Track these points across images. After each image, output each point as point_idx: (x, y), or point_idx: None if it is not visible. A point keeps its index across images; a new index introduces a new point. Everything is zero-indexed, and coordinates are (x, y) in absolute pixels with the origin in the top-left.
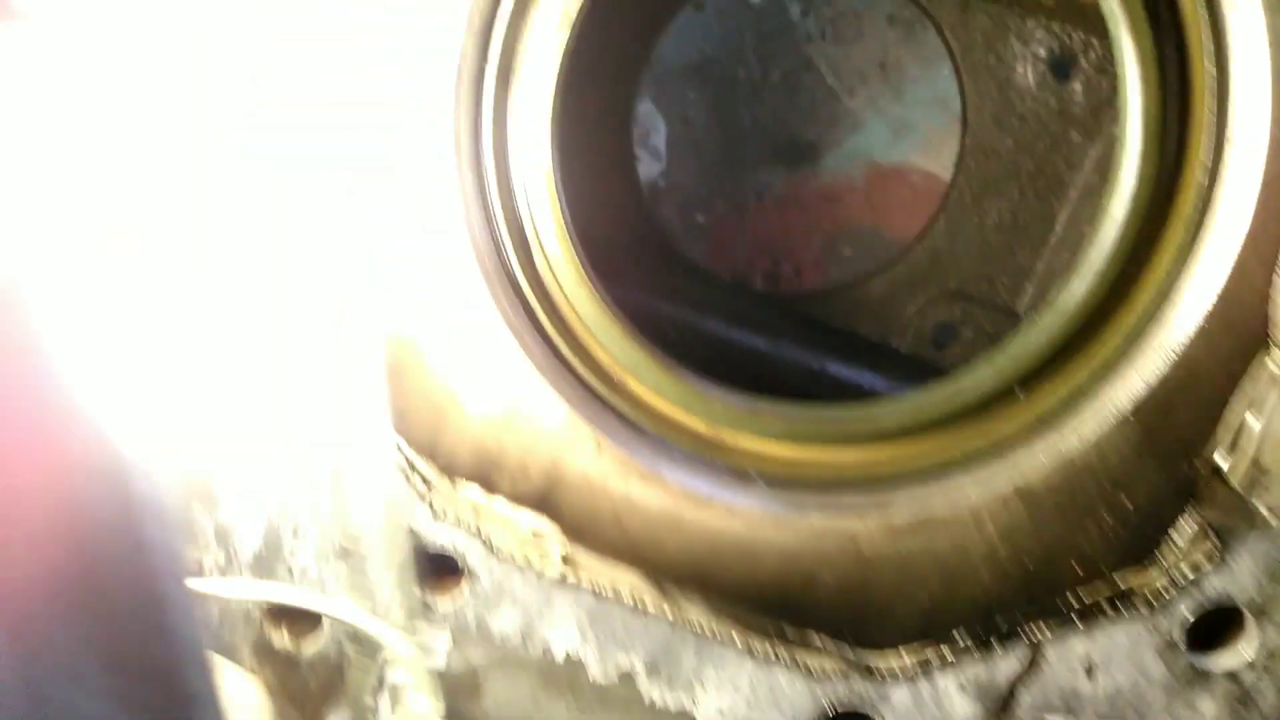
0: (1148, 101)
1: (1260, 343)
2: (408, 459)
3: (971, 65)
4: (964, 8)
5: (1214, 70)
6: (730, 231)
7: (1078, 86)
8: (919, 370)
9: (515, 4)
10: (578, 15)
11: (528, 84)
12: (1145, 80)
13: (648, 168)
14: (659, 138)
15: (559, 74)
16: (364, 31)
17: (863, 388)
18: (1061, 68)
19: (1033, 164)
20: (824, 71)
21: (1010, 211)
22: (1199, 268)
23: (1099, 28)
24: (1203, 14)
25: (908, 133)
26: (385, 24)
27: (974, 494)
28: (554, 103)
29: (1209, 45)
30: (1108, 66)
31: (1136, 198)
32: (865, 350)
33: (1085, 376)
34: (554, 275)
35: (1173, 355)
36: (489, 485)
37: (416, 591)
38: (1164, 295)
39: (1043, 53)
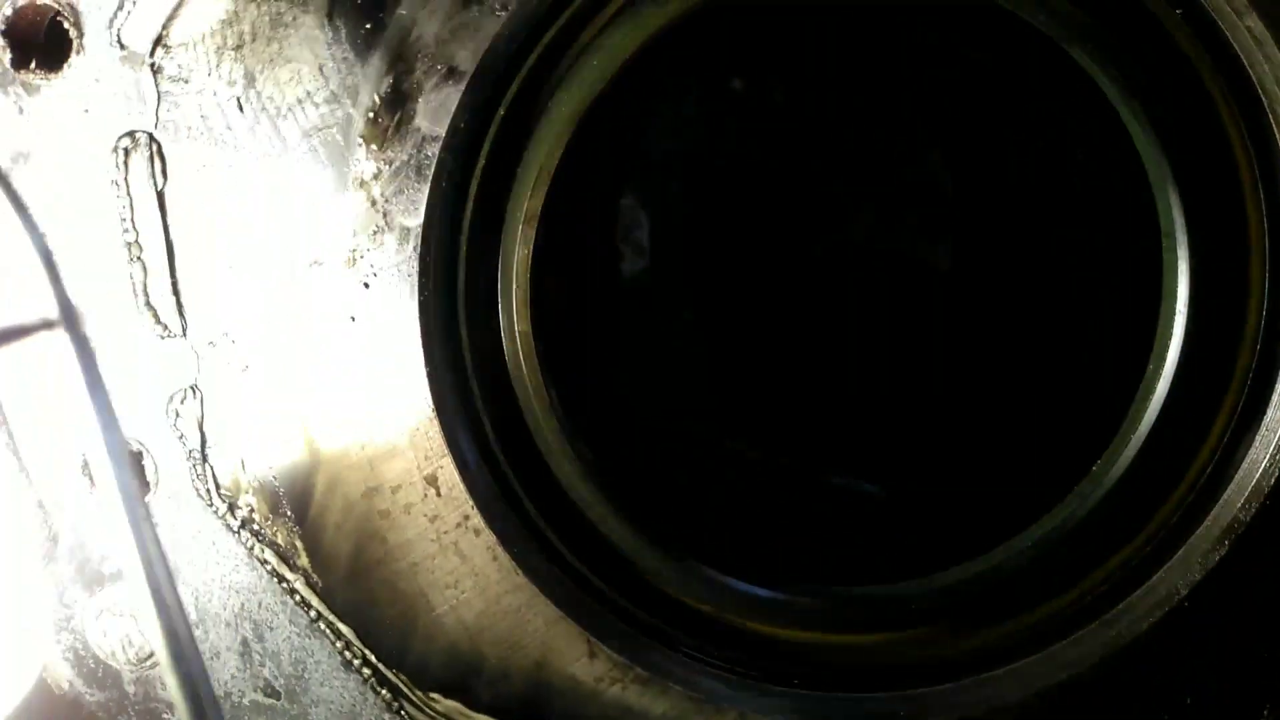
0: (1194, 257)
1: None
2: (373, 668)
3: (968, 156)
4: (960, 96)
5: (1268, 226)
6: (720, 329)
7: (1076, 164)
8: (929, 475)
9: (486, 161)
10: (557, 167)
11: (506, 240)
12: (1191, 235)
13: (631, 264)
14: (642, 232)
15: (534, 240)
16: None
17: (871, 497)
18: (1057, 148)
19: (1040, 246)
20: (810, 156)
21: (1019, 307)
22: (1259, 438)
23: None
24: (1256, 168)
25: (900, 220)
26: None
27: (1015, 693)
28: (527, 276)
29: (1264, 200)
30: (1102, 147)
31: (1184, 358)
32: (872, 456)
33: (1135, 558)
34: (543, 458)
35: (1232, 536)
36: (466, 693)
37: None
38: (1220, 468)
39: (1039, 130)
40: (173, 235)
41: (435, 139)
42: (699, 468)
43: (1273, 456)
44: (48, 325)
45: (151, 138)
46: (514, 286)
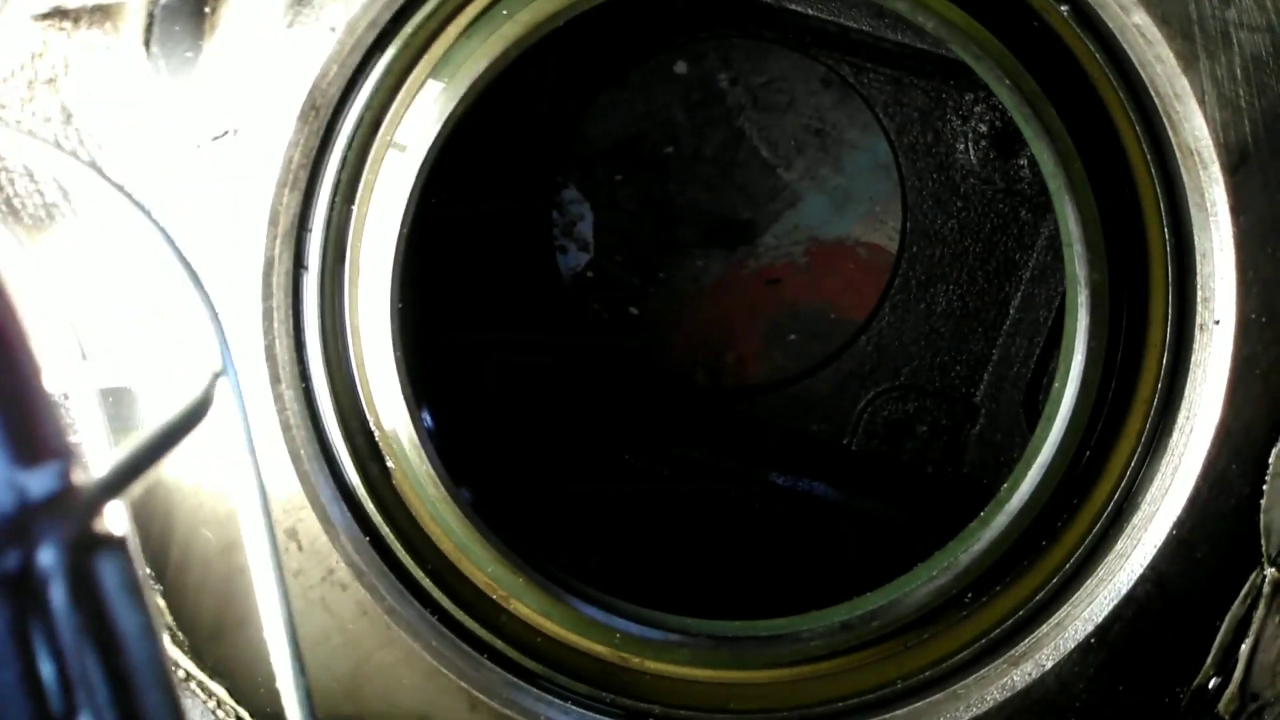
0: (1095, 272)
1: (1245, 556)
2: None
3: (908, 144)
4: (897, 85)
5: (1171, 237)
6: (666, 322)
7: (1023, 162)
8: (872, 471)
9: (331, 203)
10: (409, 198)
11: (366, 283)
12: (1091, 246)
13: (573, 258)
14: (585, 225)
15: (394, 270)
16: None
17: (813, 496)
18: (1005, 143)
19: (981, 246)
20: (757, 143)
21: (960, 296)
22: (1165, 465)
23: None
24: (1157, 180)
25: (850, 204)
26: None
27: None
28: (393, 303)
29: (1164, 212)
30: None
31: (1086, 379)
32: (814, 453)
33: (1039, 590)
34: (414, 497)
35: (1139, 569)
36: None
37: None
38: (1125, 496)
39: (984, 129)
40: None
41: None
42: (583, 495)
43: (1179, 484)
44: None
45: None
46: (380, 320)
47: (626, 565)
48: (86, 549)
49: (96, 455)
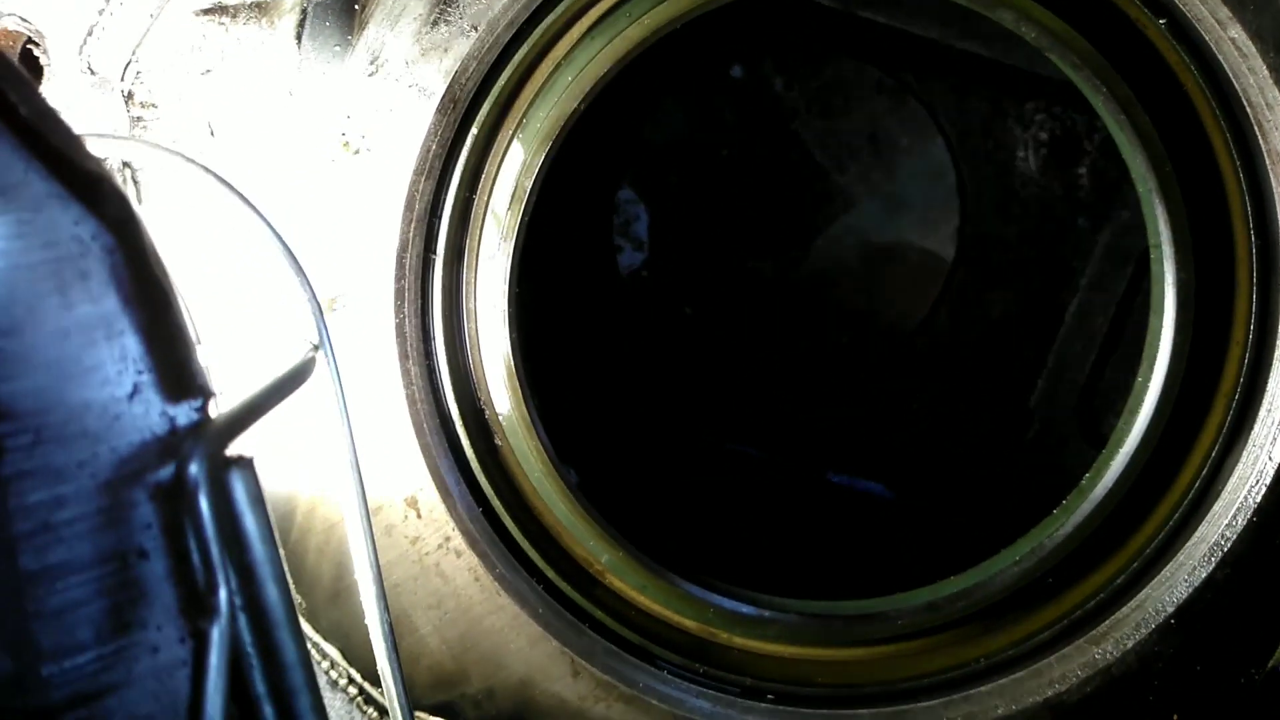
0: (1182, 271)
1: None
2: (359, 688)
3: (969, 151)
4: (959, 92)
5: (1257, 239)
6: (719, 323)
7: (1083, 170)
8: (927, 473)
9: (458, 191)
10: (530, 191)
11: (483, 270)
12: (1179, 247)
13: (629, 258)
14: (641, 226)
15: (513, 258)
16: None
17: (869, 494)
18: (1065, 151)
19: (1038, 253)
20: (811, 147)
21: (1016, 302)
22: (1245, 452)
23: None
24: (1244, 181)
25: (903, 209)
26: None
27: (1000, 708)
28: (509, 290)
29: (1250, 214)
30: (1114, 149)
31: (1171, 372)
32: (869, 454)
33: (1120, 574)
34: (520, 472)
35: (1219, 553)
36: (451, 713)
37: None
38: (1207, 483)
39: (1044, 136)
40: (188, 316)
41: (408, 165)
42: (684, 481)
43: (1259, 473)
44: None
45: (125, 163)
46: (495, 306)
47: (713, 548)
48: (222, 466)
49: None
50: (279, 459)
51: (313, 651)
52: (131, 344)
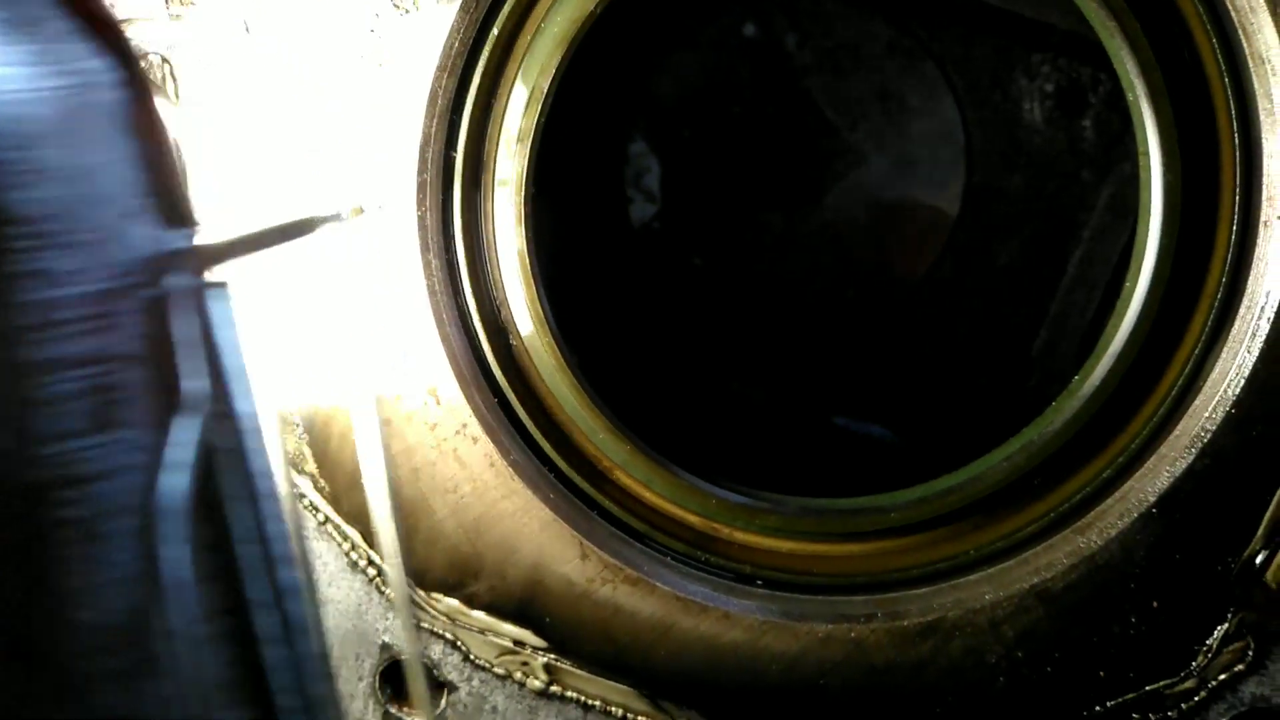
0: (1169, 174)
1: None
2: (378, 569)
3: (976, 102)
4: (967, 42)
5: (1240, 140)
6: (729, 274)
7: (1088, 123)
8: (930, 420)
9: (479, 89)
10: (547, 94)
11: (500, 169)
12: (1166, 152)
13: (641, 210)
14: (652, 178)
15: (529, 159)
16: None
17: (871, 438)
18: (1070, 103)
19: (1043, 203)
20: (822, 105)
21: (1020, 253)
22: (1226, 349)
23: (1108, 62)
24: (1228, 87)
25: (912, 167)
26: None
27: (989, 595)
28: (524, 191)
29: (1234, 117)
30: (1119, 102)
31: (1158, 274)
32: (873, 400)
33: (1106, 468)
34: (534, 368)
35: (1199, 444)
36: (466, 594)
37: (391, 705)
38: (1190, 380)
39: (1050, 88)
40: (184, 158)
41: (431, 62)
42: (691, 388)
43: (1239, 368)
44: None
45: (164, 59)
46: (510, 206)
47: (717, 466)
48: (202, 286)
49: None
50: (305, 350)
51: (334, 534)
52: (133, 171)
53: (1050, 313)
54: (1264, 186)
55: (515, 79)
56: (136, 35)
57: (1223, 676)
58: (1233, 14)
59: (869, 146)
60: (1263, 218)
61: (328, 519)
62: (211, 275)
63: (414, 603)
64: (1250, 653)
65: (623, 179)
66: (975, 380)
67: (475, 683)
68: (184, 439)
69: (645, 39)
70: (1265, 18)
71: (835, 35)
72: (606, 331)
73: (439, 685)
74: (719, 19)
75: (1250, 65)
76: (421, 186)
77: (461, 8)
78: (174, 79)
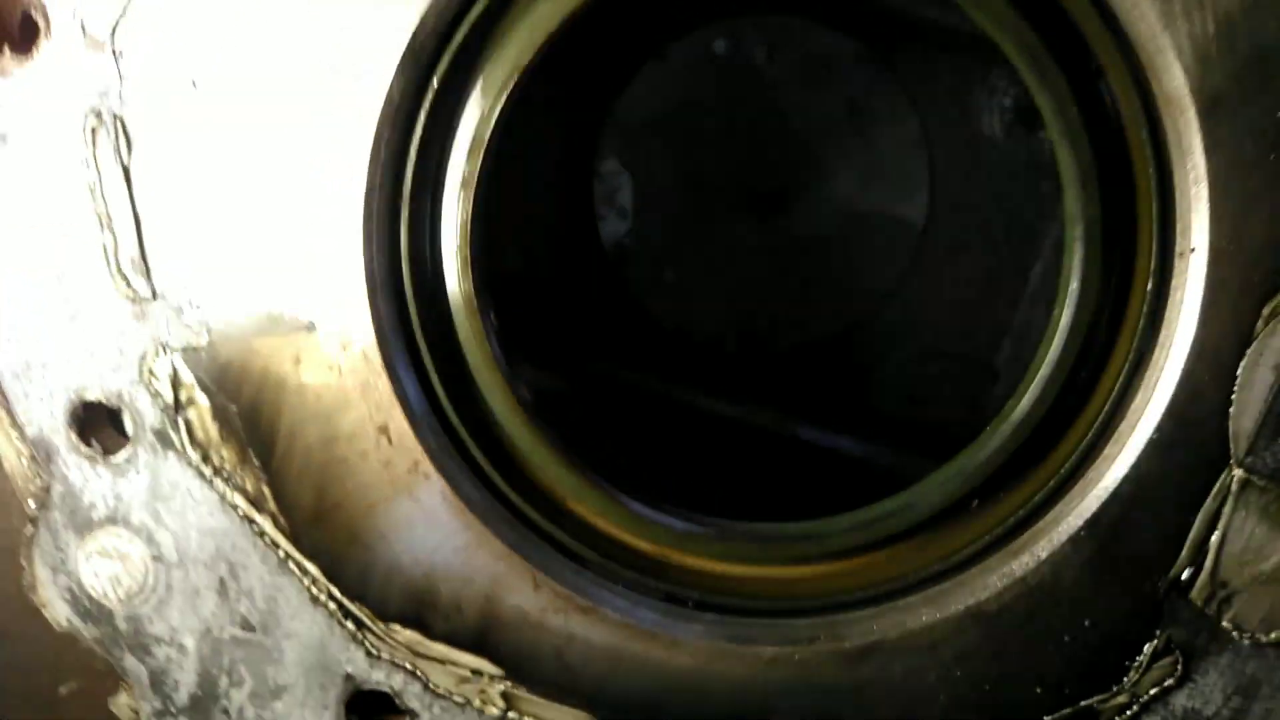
0: (1089, 207)
1: (1216, 457)
2: (338, 602)
3: (939, 119)
4: (930, 61)
5: (1155, 175)
6: (701, 288)
7: (1044, 136)
8: (897, 430)
9: (438, 88)
10: (508, 94)
11: (451, 177)
12: (1086, 186)
13: (613, 227)
14: (624, 195)
15: (479, 171)
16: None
17: (839, 452)
18: (1028, 119)
19: (1005, 217)
20: (791, 117)
21: (984, 265)
22: (1148, 376)
23: None
24: (1144, 124)
25: (879, 178)
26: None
27: (926, 617)
28: (474, 203)
29: (1151, 154)
30: None
31: (1082, 305)
32: (842, 413)
33: (1037, 492)
34: (487, 407)
35: (1124, 470)
36: (423, 625)
37: None
38: (1115, 406)
39: (1009, 103)
40: (139, 207)
41: (373, 111)
42: (656, 434)
43: (1160, 394)
44: None
45: (116, 116)
46: (455, 248)
47: (663, 478)
48: None
49: None
50: (261, 384)
51: (295, 570)
52: None
53: (1014, 324)
54: (1178, 219)
55: (456, 129)
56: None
57: (1154, 691)
58: (1143, 54)
59: (837, 159)
60: (1178, 249)
61: (289, 555)
62: None
63: (374, 634)
64: (1179, 668)
65: (593, 198)
66: (942, 389)
67: (436, 710)
68: None
69: (614, 53)
70: (1172, 59)
71: (804, 49)
72: (555, 370)
73: (400, 713)
74: (689, 34)
75: (1161, 104)
76: (367, 236)
77: (399, 66)
78: (127, 137)
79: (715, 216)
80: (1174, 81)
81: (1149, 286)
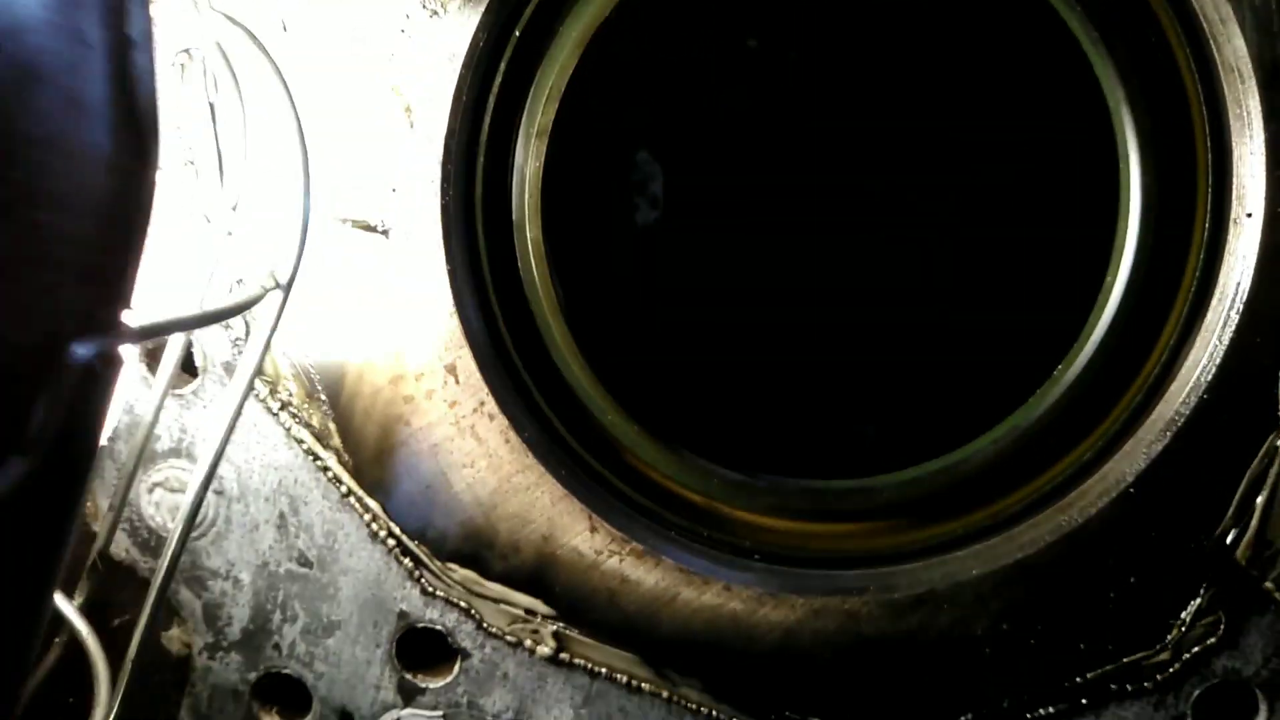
0: (1146, 175)
1: (1266, 419)
2: (397, 540)
3: (972, 112)
4: (961, 51)
5: (1212, 144)
6: (729, 281)
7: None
8: (923, 416)
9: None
10: (585, 47)
11: (525, 127)
12: (1143, 154)
13: (644, 215)
14: (656, 185)
15: (554, 121)
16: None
17: (865, 436)
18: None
19: (1044, 205)
20: (823, 114)
21: (1017, 253)
22: (1199, 339)
23: None
24: (1201, 94)
25: (909, 173)
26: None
27: (976, 570)
28: (539, 186)
29: (1207, 121)
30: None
31: (1136, 269)
32: (869, 398)
33: (1087, 451)
34: (550, 353)
35: (1174, 428)
36: (480, 564)
37: (407, 672)
38: (1165, 368)
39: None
40: (222, 143)
41: (458, 55)
42: (697, 370)
43: (1211, 356)
44: None
45: (204, 56)
46: (526, 195)
47: (720, 432)
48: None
49: None
50: (332, 329)
51: (356, 505)
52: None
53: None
54: (1234, 187)
55: (536, 77)
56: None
57: (1196, 650)
58: (1205, 25)
59: (868, 154)
60: (1233, 215)
61: (350, 491)
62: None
63: (431, 572)
64: (1222, 627)
65: (628, 185)
66: (966, 374)
67: (488, 649)
68: None
69: (650, 45)
70: (1234, 29)
71: (837, 47)
72: (617, 321)
73: (452, 652)
74: (723, 29)
75: (1221, 73)
76: (445, 176)
77: (486, 10)
78: (214, 75)
79: (746, 210)
80: (1235, 51)
81: (1202, 252)
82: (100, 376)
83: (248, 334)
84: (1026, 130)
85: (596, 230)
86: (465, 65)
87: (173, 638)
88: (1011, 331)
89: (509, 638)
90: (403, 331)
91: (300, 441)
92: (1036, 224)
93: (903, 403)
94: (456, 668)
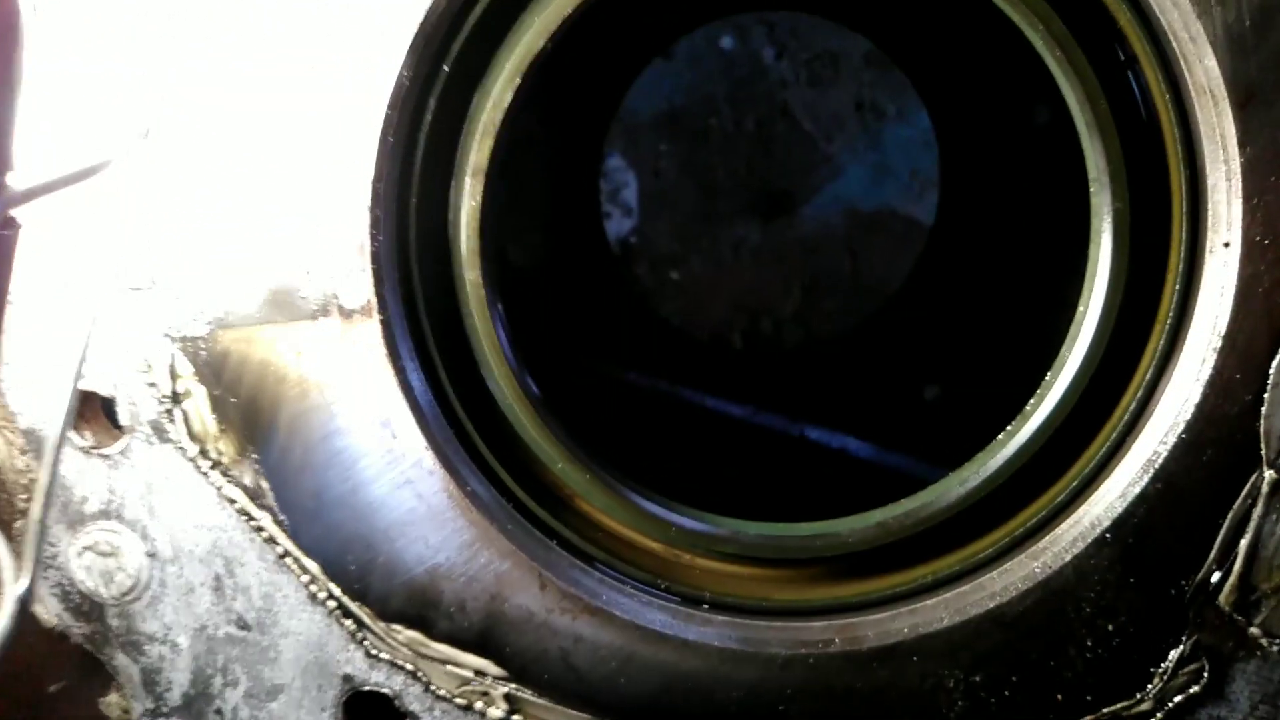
0: (1117, 201)
1: (1248, 457)
2: (338, 601)
3: (952, 115)
4: (945, 58)
5: (1186, 169)
6: (706, 288)
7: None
8: (902, 431)
9: (450, 74)
10: (520, 82)
11: (460, 165)
12: (1116, 182)
13: (618, 224)
14: (629, 192)
15: (491, 159)
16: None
17: (845, 452)
18: (1040, 116)
19: (1019, 213)
20: (799, 116)
21: (995, 263)
22: (1176, 374)
23: None
24: (1173, 116)
25: (888, 177)
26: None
27: (945, 620)
28: (484, 192)
29: (1180, 145)
30: None
31: (1109, 303)
32: (847, 412)
33: (1061, 492)
34: (495, 401)
35: (1152, 469)
36: (425, 624)
37: None
38: (1142, 405)
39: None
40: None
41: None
42: (649, 415)
43: (1189, 392)
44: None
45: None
46: (463, 237)
47: (675, 478)
48: None
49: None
50: (260, 379)
51: (294, 567)
52: None
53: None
54: (1209, 213)
55: (468, 115)
56: None
57: (1179, 699)
58: (1175, 45)
59: (846, 158)
60: (1209, 245)
61: (287, 552)
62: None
63: (374, 634)
64: (1205, 675)
65: (598, 196)
66: (947, 392)
67: (437, 713)
68: None
69: (619, 51)
70: (1206, 48)
71: (812, 48)
72: (572, 357)
73: (400, 716)
74: (695, 31)
75: (1193, 95)
76: (375, 223)
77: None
78: None
79: (720, 216)
80: (1207, 72)
81: (1178, 282)
82: None
83: (173, 392)
84: (994, 155)
85: (541, 270)
86: (392, 106)
87: (111, 704)
88: (978, 367)
89: (459, 700)
90: (335, 384)
91: (233, 501)
92: (1005, 254)
93: (887, 427)
94: None
